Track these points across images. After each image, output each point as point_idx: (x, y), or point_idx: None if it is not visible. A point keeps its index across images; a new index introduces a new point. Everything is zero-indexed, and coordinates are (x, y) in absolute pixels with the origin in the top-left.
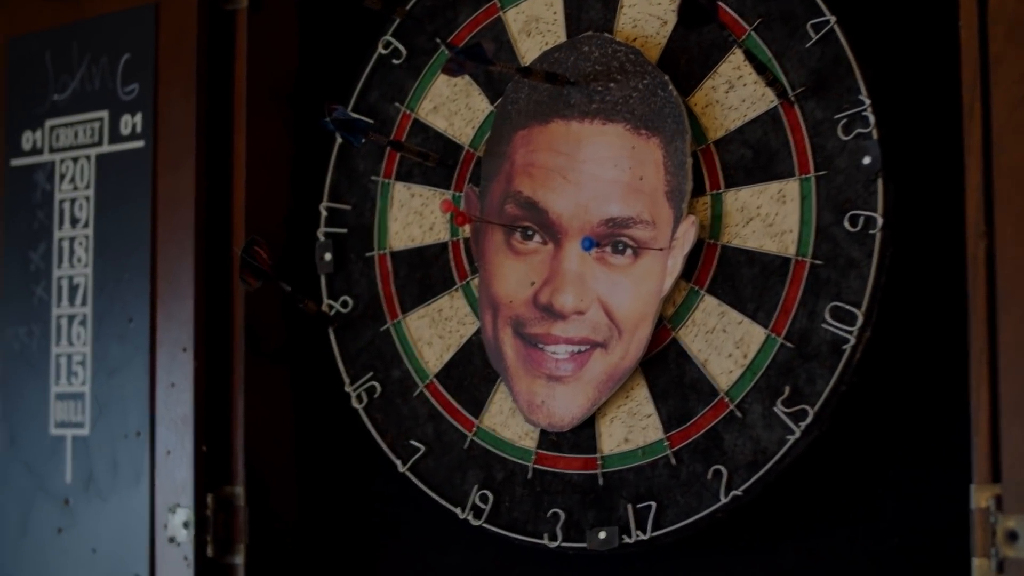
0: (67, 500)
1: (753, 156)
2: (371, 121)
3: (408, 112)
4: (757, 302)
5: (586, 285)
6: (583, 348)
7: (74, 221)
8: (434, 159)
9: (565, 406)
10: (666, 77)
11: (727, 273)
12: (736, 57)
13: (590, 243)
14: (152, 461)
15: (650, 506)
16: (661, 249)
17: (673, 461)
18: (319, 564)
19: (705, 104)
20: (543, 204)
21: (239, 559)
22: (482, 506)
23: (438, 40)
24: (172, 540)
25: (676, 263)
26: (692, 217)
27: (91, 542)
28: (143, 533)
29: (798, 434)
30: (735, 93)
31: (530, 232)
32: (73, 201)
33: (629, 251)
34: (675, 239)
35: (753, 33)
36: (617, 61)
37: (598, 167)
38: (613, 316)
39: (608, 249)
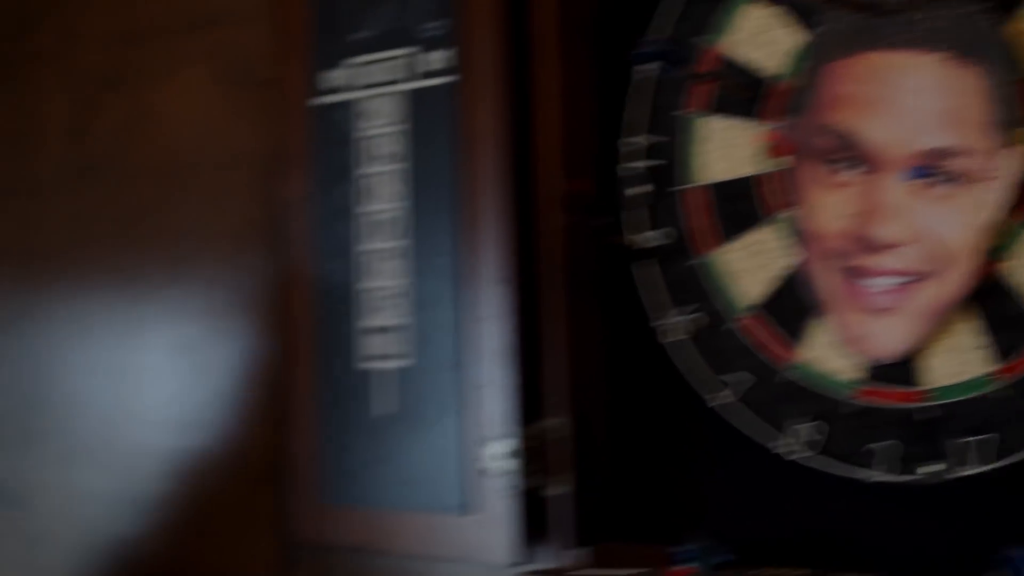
0: (381, 433)
1: None
2: (685, 51)
3: (715, 44)
4: None
5: (907, 216)
6: (905, 280)
7: (380, 158)
8: (744, 91)
9: (888, 339)
10: (987, 4)
11: None
12: None
13: (918, 172)
14: (467, 394)
15: (980, 440)
16: (985, 180)
17: (1005, 394)
18: (632, 496)
19: None
20: (860, 135)
21: (557, 490)
22: (800, 440)
23: None
24: (488, 472)
25: (1000, 194)
26: (1019, 147)
27: (406, 474)
28: (459, 465)
29: None
30: None
31: (847, 164)
32: (379, 137)
33: (950, 182)
34: (1000, 170)
35: None
36: None
37: (917, 97)
38: (935, 247)
39: (929, 180)
